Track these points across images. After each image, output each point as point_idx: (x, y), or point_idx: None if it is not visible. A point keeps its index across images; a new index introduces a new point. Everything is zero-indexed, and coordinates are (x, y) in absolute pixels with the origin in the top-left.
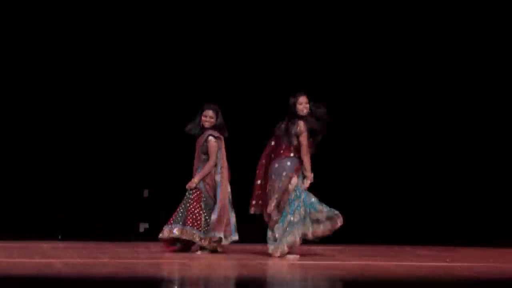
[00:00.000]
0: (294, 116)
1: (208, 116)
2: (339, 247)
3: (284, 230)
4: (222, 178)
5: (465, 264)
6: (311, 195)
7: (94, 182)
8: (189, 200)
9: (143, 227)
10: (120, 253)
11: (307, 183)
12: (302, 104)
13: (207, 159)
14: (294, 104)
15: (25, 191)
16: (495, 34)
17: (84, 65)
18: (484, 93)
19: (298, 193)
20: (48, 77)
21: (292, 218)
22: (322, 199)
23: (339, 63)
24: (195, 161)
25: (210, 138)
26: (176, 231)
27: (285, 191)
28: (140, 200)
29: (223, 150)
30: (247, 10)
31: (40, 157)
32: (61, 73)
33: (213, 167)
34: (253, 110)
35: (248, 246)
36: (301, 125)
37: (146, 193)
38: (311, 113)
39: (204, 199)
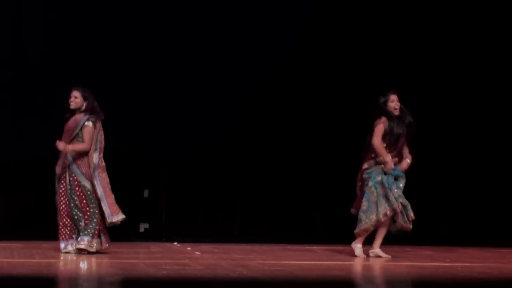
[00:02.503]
0: (382, 114)
1: (73, 97)
2: (339, 247)
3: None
4: (101, 161)
5: (465, 264)
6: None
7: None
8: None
9: (143, 227)
10: (120, 253)
11: (387, 167)
12: (394, 102)
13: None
14: (385, 103)
15: (26, 191)
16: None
17: (85, 66)
18: (485, 91)
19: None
20: (49, 77)
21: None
22: (324, 199)
23: (339, 62)
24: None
25: (87, 123)
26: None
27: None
28: (140, 200)
29: (102, 132)
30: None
31: (41, 157)
32: (61, 73)
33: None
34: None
35: (248, 247)
36: (381, 120)
37: (146, 193)
38: (401, 114)
39: (88, 193)
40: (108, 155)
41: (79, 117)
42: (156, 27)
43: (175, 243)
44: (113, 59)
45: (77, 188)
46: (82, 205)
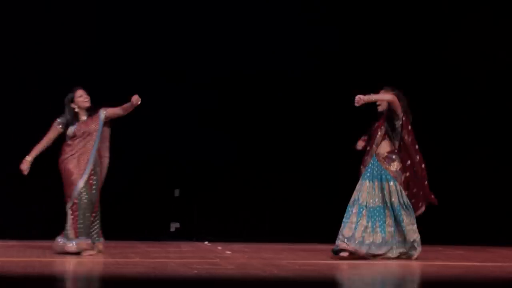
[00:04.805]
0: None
1: (84, 95)
2: None
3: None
4: None
5: (496, 264)
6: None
7: (125, 182)
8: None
9: (174, 226)
10: (151, 253)
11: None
12: None
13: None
14: None
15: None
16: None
17: (109, 56)
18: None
19: None
20: (60, 73)
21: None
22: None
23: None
24: (93, 150)
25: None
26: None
27: None
28: (171, 199)
29: None
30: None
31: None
32: (79, 77)
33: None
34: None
35: (278, 246)
36: None
37: (177, 192)
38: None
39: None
40: (139, 155)
41: (97, 111)
42: (175, 32)
43: (206, 242)
44: (133, 52)
45: None
46: None
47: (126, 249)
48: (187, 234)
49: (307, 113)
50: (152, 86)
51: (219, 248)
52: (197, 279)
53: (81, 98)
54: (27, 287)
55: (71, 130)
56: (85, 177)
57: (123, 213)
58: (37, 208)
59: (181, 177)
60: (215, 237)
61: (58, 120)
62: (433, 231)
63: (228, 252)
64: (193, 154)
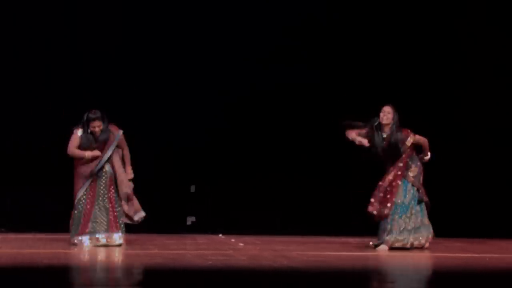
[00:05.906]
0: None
1: (97, 127)
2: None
3: None
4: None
5: (495, 255)
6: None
7: (144, 179)
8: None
9: (190, 220)
10: (169, 245)
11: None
12: (383, 112)
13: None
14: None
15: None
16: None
17: (137, 55)
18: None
19: None
20: (75, 68)
21: None
22: (363, 194)
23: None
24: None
25: (122, 135)
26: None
27: None
28: (187, 195)
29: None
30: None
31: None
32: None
33: None
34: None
35: (289, 238)
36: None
37: (193, 188)
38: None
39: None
40: (158, 153)
41: (114, 132)
42: (179, 27)
43: (220, 235)
44: (146, 63)
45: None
46: None
47: (145, 242)
48: (203, 227)
49: (320, 115)
50: (168, 83)
51: (233, 240)
52: (212, 269)
53: (94, 129)
54: (52, 278)
55: (83, 139)
56: (85, 187)
57: (142, 208)
58: (64, 203)
59: (197, 174)
60: (228, 230)
61: (79, 133)
62: (434, 224)
63: (241, 244)
64: (208, 152)
